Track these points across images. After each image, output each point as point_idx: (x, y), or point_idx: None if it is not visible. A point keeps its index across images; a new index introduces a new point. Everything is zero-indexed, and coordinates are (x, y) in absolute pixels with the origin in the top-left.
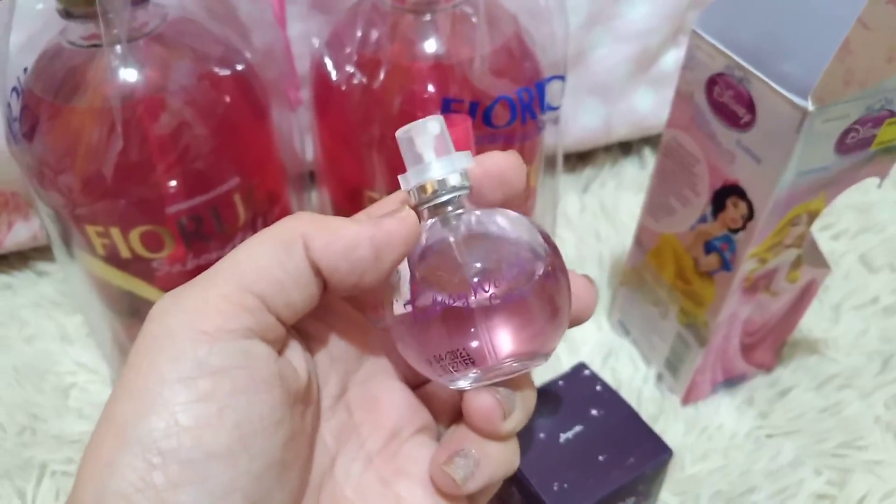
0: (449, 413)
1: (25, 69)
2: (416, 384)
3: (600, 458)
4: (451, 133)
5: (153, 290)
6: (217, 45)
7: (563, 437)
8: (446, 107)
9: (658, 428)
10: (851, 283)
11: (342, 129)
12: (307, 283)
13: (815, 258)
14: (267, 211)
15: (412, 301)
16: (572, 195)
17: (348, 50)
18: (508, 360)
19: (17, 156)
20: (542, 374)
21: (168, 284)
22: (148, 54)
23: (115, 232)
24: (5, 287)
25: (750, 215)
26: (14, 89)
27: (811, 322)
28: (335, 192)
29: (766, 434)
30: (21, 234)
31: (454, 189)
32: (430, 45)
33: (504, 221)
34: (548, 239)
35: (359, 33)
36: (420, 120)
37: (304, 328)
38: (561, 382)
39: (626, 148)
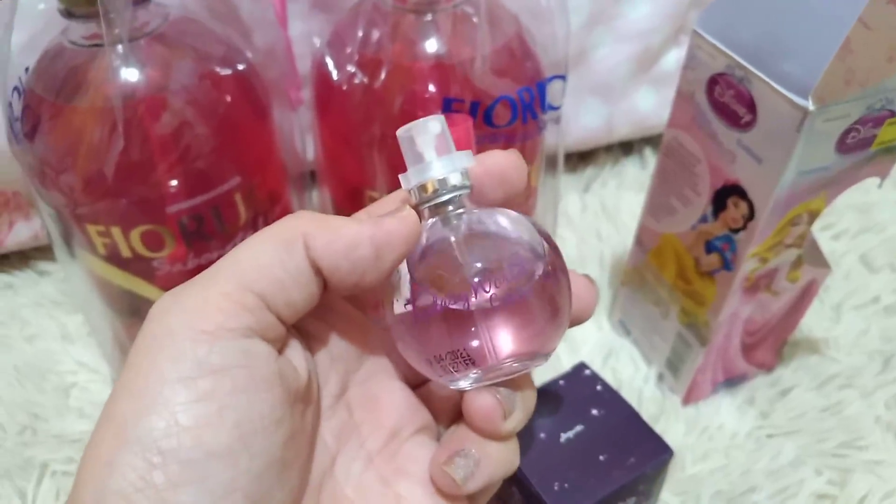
0: (449, 413)
1: (27, 69)
2: (417, 384)
3: (601, 457)
4: (452, 133)
5: (154, 289)
6: (218, 45)
7: (563, 436)
8: (447, 106)
9: (659, 428)
10: (852, 282)
11: (343, 129)
12: (307, 283)
13: (815, 258)
14: (268, 210)
15: (412, 301)
16: (573, 195)
17: (349, 50)
18: (509, 360)
19: (18, 155)
20: (543, 373)
21: (169, 284)
22: (149, 54)
23: (116, 231)
24: (6, 286)
25: (751, 215)
26: (16, 89)
27: (812, 322)
28: (336, 191)
29: (766, 434)
30: (22, 233)
31: (455, 188)
32: (432, 45)
33: (505, 221)
34: (548, 239)
35: (360, 33)
36: (421, 119)
37: (305, 327)
38: (562, 382)
39: (627, 148)
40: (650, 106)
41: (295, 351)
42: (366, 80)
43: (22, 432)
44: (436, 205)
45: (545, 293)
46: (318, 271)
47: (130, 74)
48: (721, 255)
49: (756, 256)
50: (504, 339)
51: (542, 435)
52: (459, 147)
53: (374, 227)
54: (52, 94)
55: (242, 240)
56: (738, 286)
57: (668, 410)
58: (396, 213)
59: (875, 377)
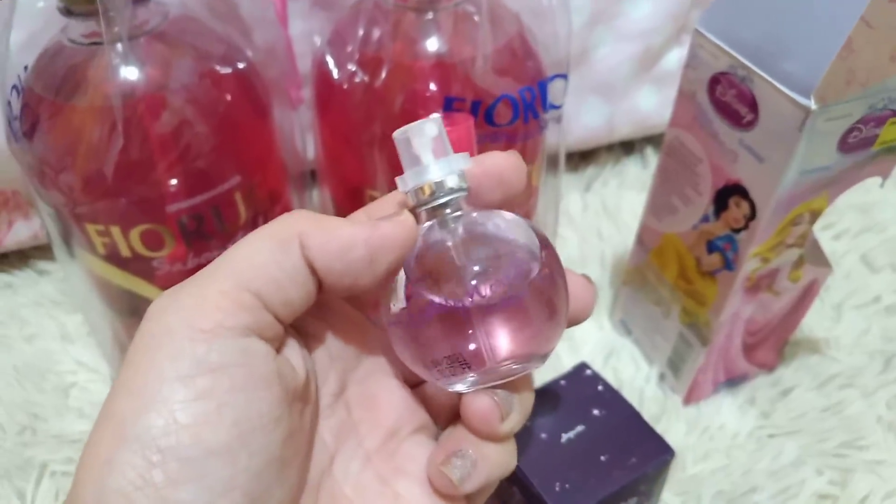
0: (447, 412)
1: (26, 67)
2: (415, 383)
3: (602, 458)
4: (453, 132)
5: (153, 288)
6: (218, 44)
7: (564, 437)
8: (448, 105)
9: (660, 428)
10: (853, 282)
11: (344, 128)
12: (304, 282)
13: (817, 258)
14: (268, 210)
15: (409, 304)
16: (574, 194)
17: (350, 48)
18: (506, 362)
19: (17, 154)
20: (544, 373)
21: (168, 283)
22: (149, 52)
23: (115, 231)
24: (6, 286)
25: (752, 215)
26: (15, 87)
27: (813, 321)
28: (336, 190)
29: (767, 434)
30: (21, 232)
31: (452, 191)
32: (433, 44)
33: (502, 223)
34: (545, 240)
35: (361, 32)
36: (418, 121)
37: (303, 327)
38: (563, 382)
39: (628, 147)
40: (651, 105)
41: (293, 350)
42: (366, 78)
43: (21, 432)
44: (433, 207)
45: (542, 295)
46: (313, 271)
47: (130, 73)
48: (722, 254)
49: (757, 256)
50: (501, 341)
51: (544, 435)
52: (461, 147)
53: (370, 230)
54: (52, 92)
55: None
56: (739, 286)
57: (669, 410)
58: (394, 216)
59: (876, 377)
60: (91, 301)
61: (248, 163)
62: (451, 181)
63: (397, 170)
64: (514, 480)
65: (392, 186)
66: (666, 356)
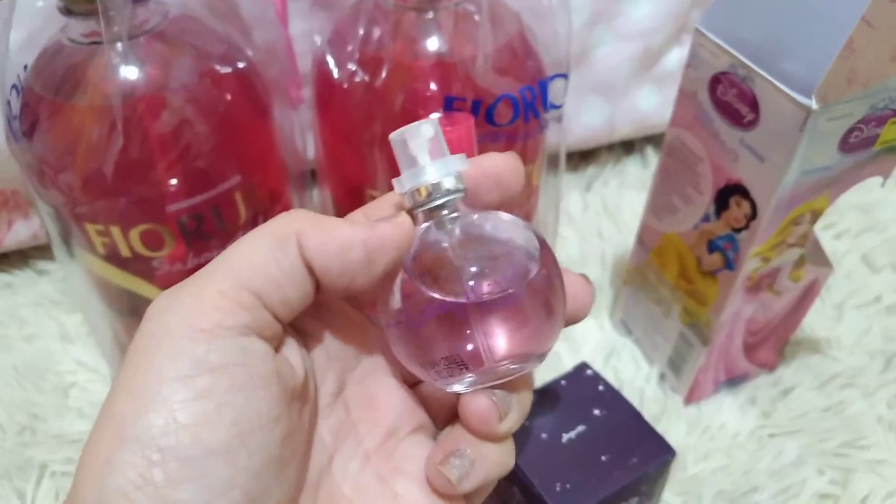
0: (445, 412)
1: (26, 66)
2: (414, 383)
3: (603, 458)
4: (453, 132)
5: (153, 288)
6: (218, 43)
7: (565, 437)
8: (449, 105)
9: (661, 427)
10: (854, 282)
11: (344, 128)
12: (302, 281)
13: (818, 257)
14: (268, 209)
15: (406, 305)
16: (575, 194)
17: (350, 48)
18: (504, 362)
19: (16, 154)
20: (545, 373)
21: (168, 283)
22: (149, 52)
23: (115, 230)
24: (5, 286)
25: (753, 214)
26: (14, 87)
27: (814, 321)
28: (336, 190)
29: (768, 433)
30: (21, 232)
31: (448, 192)
32: (433, 43)
33: (499, 224)
34: (542, 241)
35: (361, 31)
36: (414, 123)
37: (301, 326)
38: (563, 382)
39: (628, 146)
40: (652, 105)
41: (291, 349)
42: (367, 78)
43: (21, 432)
44: (430, 209)
45: (539, 295)
46: (311, 271)
47: (130, 72)
48: (723, 254)
49: (758, 256)
50: (499, 342)
51: (544, 435)
52: (461, 146)
53: (368, 231)
54: (51, 92)
55: None
56: (740, 286)
57: (669, 410)
58: (391, 218)
59: (877, 377)
60: (91, 301)
61: (249, 162)
62: (448, 182)
63: (397, 170)
64: (515, 480)
65: (392, 186)
66: (666, 356)
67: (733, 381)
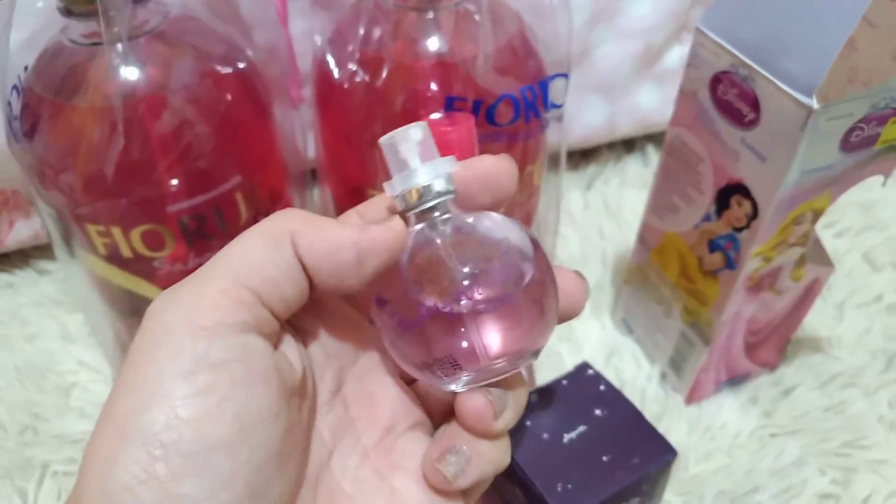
0: (442, 409)
1: (26, 67)
2: (411, 380)
3: (604, 458)
4: (454, 132)
5: (154, 289)
6: (219, 43)
7: (566, 437)
8: (449, 105)
9: (662, 427)
10: (855, 281)
11: (344, 128)
12: (298, 279)
13: (819, 257)
14: (269, 209)
15: (401, 307)
16: (576, 193)
17: (351, 48)
18: (499, 360)
19: (17, 155)
20: (546, 373)
21: (169, 283)
22: (149, 52)
23: (116, 231)
24: (7, 286)
25: (754, 214)
26: (15, 87)
27: (815, 320)
28: (337, 190)
29: (769, 433)
30: (22, 232)
31: (439, 194)
32: (433, 43)
33: (491, 224)
34: (534, 240)
35: (361, 31)
36: (403, 127)
37: (299, 324)
38: (564, 382)
39: (629, 145)
40: (653, 103)
41: (289, 346)
42: (367, 78)
43: (23, 432)
44: (421, 211)
45: (533, 294)
46: (304, 269)
47: (130, 73)
48: (724, 253)
49: (759, 255)
50: (493, 342)
51: (546, 435)
52: (462, 146)
53: (360, 233)
54: (52, 92)
55: None
56: (741, 285)
57: (670, 410)
58: (384, 221)
59: (878, 376)
60: (92, 301)
61: (249, 162)
62: (438, 185)
63: None
64: (516, 481)
65: None
66: (668, 355)
67: (734, 380)
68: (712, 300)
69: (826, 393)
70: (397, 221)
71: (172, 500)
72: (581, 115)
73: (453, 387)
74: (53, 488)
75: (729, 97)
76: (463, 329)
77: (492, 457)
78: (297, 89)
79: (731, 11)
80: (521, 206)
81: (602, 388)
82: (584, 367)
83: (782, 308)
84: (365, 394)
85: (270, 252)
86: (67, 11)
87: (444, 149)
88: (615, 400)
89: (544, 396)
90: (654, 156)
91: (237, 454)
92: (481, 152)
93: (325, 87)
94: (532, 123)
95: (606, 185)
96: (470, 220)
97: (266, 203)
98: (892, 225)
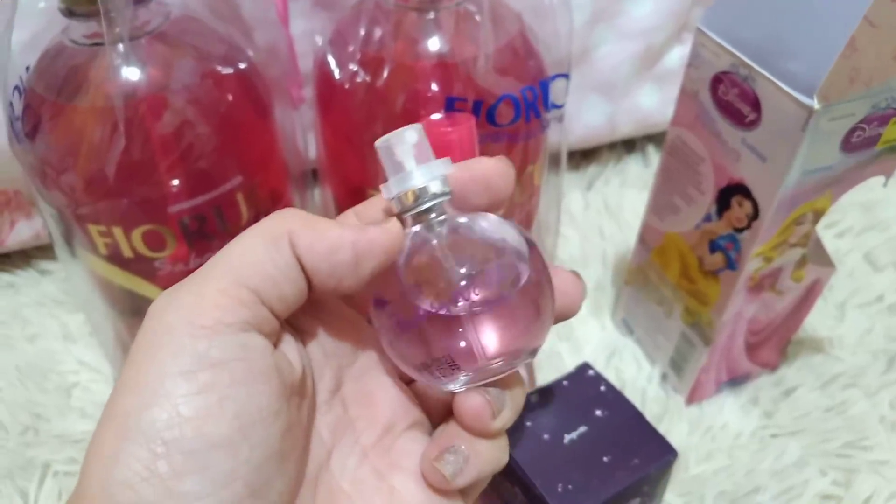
0: (441, 409)
1: (28, 68)
2: (410, 379)
3: (605, 459)
4: (454, 132)
5: (155, 289)
6: (220, 44)
7: (567, 437)
8: (450, 105)
9: (662, 428)
10: (856, 281)
11: (345, 128)
12: (296, 278)
13: (820, 257)
14: (270, 209)
15: (398, 308)
16: (576, 193)
17: (351, 48)
18: (496, 361)
19: (19, 155)
20: (547, 374)
21: (170, 283)
22: (150, 53)
23: (117, 231)
24: (8, 286)
25: (755, 214)
26: (16, 88)
27: (816, 321)
28: (338, 190)
29: (770, 434)
30: (23, 232)
31: (435, 196)
32: (434, 44)
33: (486, 225)
34: (530, 241)
35: (362, 31)
36: (398, 129)
37: (298, 324)
38: (565, 383)
39: (630, 145)
40: (653, 104)
41: (289, 345)
42: (368, 78)
43: (24, 432)
44: (418, 213)
45: (529, 294)
46: (303, 269)
47: (131, 73)
48: (725, 254)
49: (760, 256)
50: (490, 342)
51: (546, 436)
52: (462, 146)
53: (358, 234)
54: (53, 93)
55: None
56: (742, 285)
57: (671, 410)
58: (382, 223)
59: (879, 376)
60: (93, 301)
61: (250, 163)
62: (434, 186)
63: None
64: (517, 481)
65: None
66: (668, 356)
67: (735, 381)
68: (713, 301)
69: (827, 393)
70: (394, 223)
71: (174, 498)
72: (581, 116)
73: (451, 387)
74: (54, 488)
75: (730, 97)
76: (460, 330)
77: (490, 456)
78: (297, 90)
79: (731, 11)
80: (521, 206)
81: (602, 388)
82: (585, 367)
83: (783, 308)
84: (364, 393)
85: (270, 252)
86: (69, 12)
87: (445, 149)
88: (616, 400)
89: (545, 397)
90: (654, 156)
91: (237, 452)
92: (482, 153)
93: (326, 88)
94: (532, 124)
95: (607, 185)
96: (467, 221)
97: (267, 203)
98: (894, 225)
